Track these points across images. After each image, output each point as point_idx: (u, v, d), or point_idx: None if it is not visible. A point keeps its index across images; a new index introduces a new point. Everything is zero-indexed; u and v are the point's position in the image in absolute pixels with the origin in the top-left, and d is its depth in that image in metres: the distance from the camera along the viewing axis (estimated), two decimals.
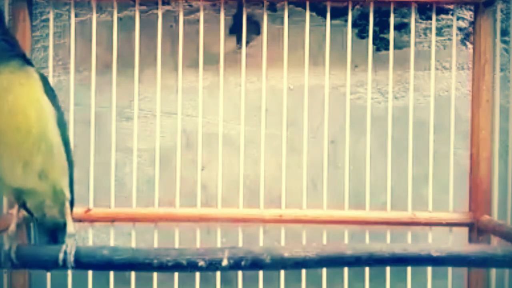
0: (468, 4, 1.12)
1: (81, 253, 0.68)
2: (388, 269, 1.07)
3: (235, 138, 1.12)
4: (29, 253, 0.68)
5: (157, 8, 1.09)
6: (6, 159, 0.60)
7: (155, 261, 0.69)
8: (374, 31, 1.12)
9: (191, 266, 0.70)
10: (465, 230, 1.09)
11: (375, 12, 1.11)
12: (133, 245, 1.06)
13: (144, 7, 1.12)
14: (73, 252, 0.66)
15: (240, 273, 1.07)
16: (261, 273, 1.07)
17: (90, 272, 1.05)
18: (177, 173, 1.08)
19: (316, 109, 1.11)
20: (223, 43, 1.09)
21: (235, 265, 0.71)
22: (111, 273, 1.05)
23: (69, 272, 1.05)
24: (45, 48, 1.13)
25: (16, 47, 0.61)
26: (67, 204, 0.68)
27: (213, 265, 0.70)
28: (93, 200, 1.07)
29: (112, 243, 1.07)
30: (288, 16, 1.09)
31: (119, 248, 0.71)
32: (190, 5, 1.14)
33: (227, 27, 1.14)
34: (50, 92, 0.61)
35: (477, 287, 1.07)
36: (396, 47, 1.12)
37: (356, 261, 0.72)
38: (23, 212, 0.87)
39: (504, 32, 1.13)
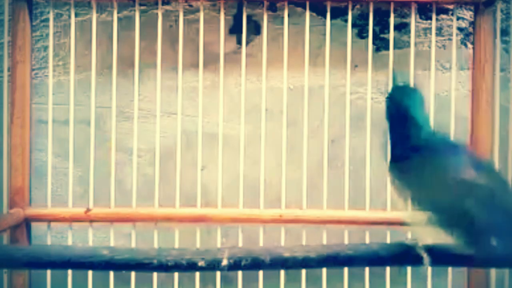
0: (468, 4, 1.12)
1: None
2: (388, 269, 1.07)
3: (235, 138, 1.12)
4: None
5: (157, 8, 1.09)
6: None
7: (155, 261, 0.69)
8: (374, 31, 1.12)
9: (191, 266, 0.70)
10: None
11: (375, 12, 1.11)
12: (133, 245, 1.06)
13: (144, 7, 1.12)
14: None
15: (240, 273, 1.07)
16: (261, 273, 1.07)
17: (90, 272, 1.05)
18: (177, 173, 1.08)
19: (316, 109, 1.11)
20: (223, 43, 1.09)
21: (235, 265, 0.71)
22: (111, 273, 1.05)
23: (69, 272, 1.05)
24: (45, 48, 1.13)
25: None
26: None
27: (213, 265, 0.70)
28: (93, 200, 1.07)
29: (112, 243, 1.07)
30: (288, 16, 1.09)
31: (119, 248, 0.71)
32: (190, 5, 1.14)
33: (227, 27, 1.14)
34: None
35: (477, 287, 1.07)
36: (396, 47, 1.12)
37: (356, 261, 0.72)
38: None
39: (504, 32, 1.13)
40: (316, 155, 1.11)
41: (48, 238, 1.07)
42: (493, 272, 1.06)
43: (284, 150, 1.09)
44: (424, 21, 1.15)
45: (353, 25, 1.13)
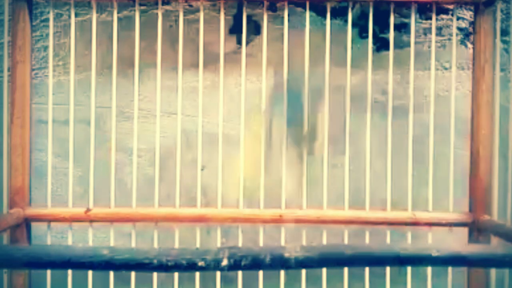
0: (468, 4, 1.12)
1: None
2: (388, 269, 1.07)
3: (235, 138, 1.12)
4: None
5: (157, 8, 1.09)
6: None
7: (155, 261, 0.69)
8: (374, 31, 1.12)
9: (191, 266, 0.70)
10: (465, 230, 1.09)
11: (375, 12, 1.11)
12: (133, 245, 1.06)
13: (144, 7, 1.12)
14: None
15: (240, 273, 1.07)
16: (261, 273, 1.07)
17: (90, 272, 1.05)
18: (177, 173, 1.08)
19: (316, 109, 1.11)
20: (223, 43, 1.09)
21: (235, 265, 0.71)
22: (111, 273, 1.05)
23: (69, 272, 1.05)
24: (45, 48, 1.13)
25: None
26: None
27: (213, 265, 0.70)
28: (93, 200, 1.07)
29: (112, 243, 1.07)
30: (288, 16, 1.09)
31: (119, 248, 0.71)
32: (190, 5, 1.14)
33: (227, 27, 1.14)
34: None
35: (477, 287, 1.07)
36: (396, 47, 1.12)
37: (356, 261, 0.72)
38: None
39: (504, 32, 1.13)
40: (316, 155, 1.11)
41: (48, 238, 1.07)
42: (493, 272, 1.06)
43: (284, 150, 1.09)
44: (424, 21, 1.15)
45: (353, 25, 1.13)
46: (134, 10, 1.10)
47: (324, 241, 1.06)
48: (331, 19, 1.10)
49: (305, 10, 1.10)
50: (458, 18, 1.14)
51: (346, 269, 1.06)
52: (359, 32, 1.15)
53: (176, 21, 1.12)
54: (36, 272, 1.07)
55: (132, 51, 1.08)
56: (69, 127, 1.07)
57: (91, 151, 1.07)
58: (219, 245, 1.07)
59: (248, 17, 1.13)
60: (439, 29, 1.15)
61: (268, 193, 1.10)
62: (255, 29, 1.15)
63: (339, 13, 1.14)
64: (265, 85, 1.09)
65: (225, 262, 0.70)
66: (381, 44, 1.15)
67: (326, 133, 1.08)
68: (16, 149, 1.06)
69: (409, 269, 1.07)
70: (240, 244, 1.06)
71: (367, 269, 1.06)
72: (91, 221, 1.06)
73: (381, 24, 1.15)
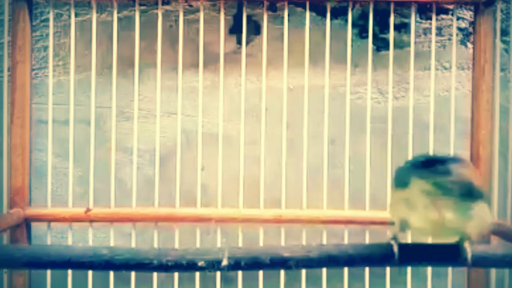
0: (468, 4, 1.12)
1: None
2: (388, 269, 1.07)
3: (235, 138, 1.12)
4: None
5: (157, 8, 1.09)
6: None
7: (155, 261, 0.69)
8: (374, 31, 1.12)
9: (191, 266, 0.70)
10: None
11: (375, 12, 1.11)
12: (133, 245, 1.06)
13: (144, 7, 1.12)
14: None
15: (240, 273, 1.07)
16: (261, 273, 1.07)
17: (90, 272, 1.05)
18: (177, 173, 1.08)
19: (316, 109, 1.11)
20: (223, 43, 1.09)
21: (235, 265, 0.71)
22: (111, 273, 1.05)
23: (69, 272, 1.05)
24: (45, 48, 1.13)
25: None
26: None
27: (213, 265, 0.70)
28: (93, 200, 1.07)
29: (112, 243, 1.07)
30: (288, 16, 1.09)
31: (119, 248, 0.71)
32: (190, 5, 1.14)
33: (227, 27, 1.14)
34: None
35: (477, 287, 1.07)
36: (396, 47, 1.12)
37: (357, 261, 0.72)
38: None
39: (504, 32, 1.13)
40: (316, 155, 1.11)
41: (48, 238, 1.07)
42: (493, 272, 1.06)
43: (284, 150, 1.09)
44: (424, 21, 1.15)
45: (353, 25, 1.13)
46: (134, 10, 1.10)
47: (324, 241, 1.06)
48: (331, 19, 1.10)
49: (305, 10, 1.10)
50: (458, 18, 1.14)
51: (346, 269, 1.06)
52: (359, 32, 1.15)
53: (176, 21, 1.12)
54: (36, 272, 1.07)
55: (132, 51, 1.09)
56: (69, 127, 1.07)
57: (91, 151, 1.07)
58: (219, 245, 1.07)
59: (248, 17, 1.13)
60: (439, 29, 1.15)
61: (268, 193, 1.10)
62: (255, 29, 1.15)
63: (339, 13, 1.14)
64: (265, 85, 1.09)
65: (225, 262, 0.70)
66: (381, 44, 1.15)
67: (326, 133, 1.08)
68: (16, 149, 1.06)
69: (409, 269, 1.07)
70: (240, 244, 1.06)
71: (367, 269, 1.06)
72: (91, 221, 1.06)
73: (381, 24, 1.15)
